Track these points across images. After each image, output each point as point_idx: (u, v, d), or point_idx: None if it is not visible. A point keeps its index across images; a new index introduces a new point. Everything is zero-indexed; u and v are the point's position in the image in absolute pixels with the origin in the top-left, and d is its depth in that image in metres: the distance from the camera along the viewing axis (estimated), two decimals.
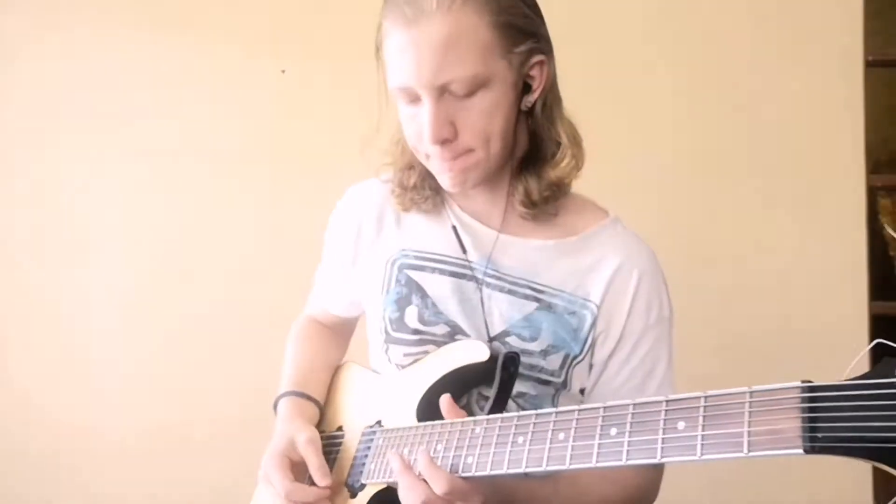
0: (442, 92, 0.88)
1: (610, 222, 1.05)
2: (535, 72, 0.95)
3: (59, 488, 1.96)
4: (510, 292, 1.01)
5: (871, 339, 0.54)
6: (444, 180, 0.96)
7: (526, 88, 0.96)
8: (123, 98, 1.94)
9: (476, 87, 0.89)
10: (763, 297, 1.80)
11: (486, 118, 0.91)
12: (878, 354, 0.55)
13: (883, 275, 1.88)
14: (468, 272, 1.03)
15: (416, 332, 1.04)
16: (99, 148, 1.95)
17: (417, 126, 0.93)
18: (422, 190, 1.05)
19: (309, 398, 1.13)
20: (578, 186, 1.10)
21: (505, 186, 1.03)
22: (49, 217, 1.97)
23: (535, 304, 1.00)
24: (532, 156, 1.01)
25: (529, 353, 0.98)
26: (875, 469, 1.82)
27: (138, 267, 1.96)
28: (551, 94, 0.99)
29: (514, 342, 1.00)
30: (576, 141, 1.01)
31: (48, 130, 1.96)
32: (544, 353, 0.99)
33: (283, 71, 1.92)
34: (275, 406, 1.13)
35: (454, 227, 1.04)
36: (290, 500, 0.97)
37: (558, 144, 1.00)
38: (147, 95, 1.94)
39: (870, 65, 1.77)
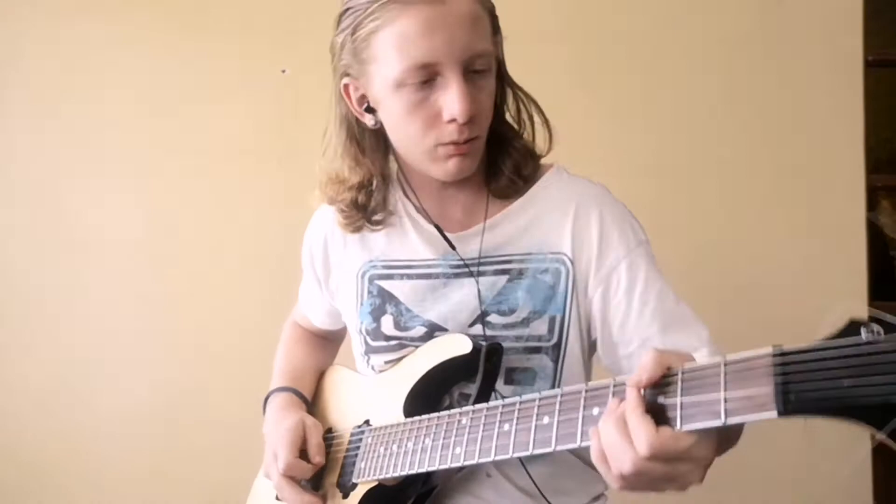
0: (466, 69, 0.90)
1: (554, 171, 1.05)
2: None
3: (59, 488, 1.97)
4: (479, 274, 1.01)
5: None
6: (450, 166, 0.95)
7: None
8: (123, 98, 1.95)
9: (489, 67, 0.92)
10: (763, 297, 1.79)
11: (490, 102, 0.95)
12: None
13: (883, 275, 1.87)
14: (433, 271, 1.04)
15: (394, 338, 1.05)
16: (98, 147, 1.96)
17: (430, 110, 0.91)
18: (379, 210, 1.06)
19: (300, 395, 1.15)
20: None
21: (468, 184, 1.03)
22: (49, 216, 1.98)
23: (505, 277, 1.00)
24: (499, 137, 1.03)
25: (512, 325, 0.99)
26: (875, 466, 1.80)
27: (139, 266, 1.96)
28: (503, 92, 1.02)
29: (494, 320, 1.00)
30: (537, 110, 1.04)
31: (48, 129, 1.97)
32: (527, 322, 0.99)
33: (284, 71, 1.93)
34: (265, 402, 1.16)
35: (436, 226, 1.04)
36: (288, 474, 1.00)
37: (518, 120, 1.04)
38: (147, 95, 1.95)
39: (870, 65, 1.77)
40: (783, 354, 0.57)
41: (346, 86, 0.98)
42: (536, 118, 1.03)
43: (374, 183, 1.05)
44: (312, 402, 1.19)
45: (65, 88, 1.97)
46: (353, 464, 1.00)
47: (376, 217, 1.06)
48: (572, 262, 0.99)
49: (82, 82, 1.96)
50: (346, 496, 0.99)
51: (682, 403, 0.62)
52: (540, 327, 0.99)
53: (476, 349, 0.93)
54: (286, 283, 1.35)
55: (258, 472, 1.22)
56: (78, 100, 1.96)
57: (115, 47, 1.95)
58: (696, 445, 0.62)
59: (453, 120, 0.90)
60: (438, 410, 0.95)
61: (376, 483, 0.95)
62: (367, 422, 1.03)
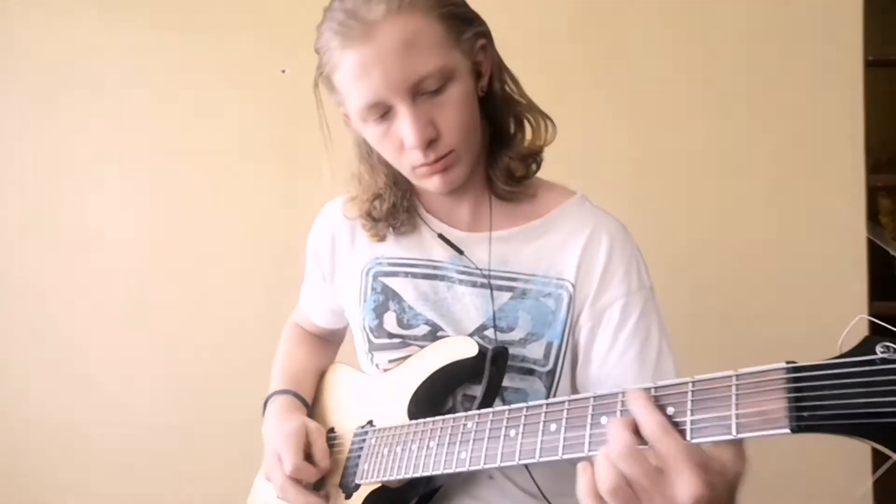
0: (415, 94, 0.89)
1: (576, 200, 1.06)
2: (481, 56, 0.97)
3: (59, 488, 1.96)
4: (482, 286, 1.02)
5: None
6: (434, 183, 0.96)
7: (476, 75, 0.97)
8: (122, 97, 1.95)
9: (445, 79, 0.90)
10: (763, 297, 1.79)
11: (460, 111, 0.92)
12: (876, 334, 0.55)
13: (883, 275, 1.87)
14: (439, 272, 1.05)
15: (398, 336, 1.05)
16: (98, 146, 1.95)
17: (394, 139, 0.93)
18: (397, 215, 1.07)
19: (300, 398, 1.15)
20: (580, 185, 1.10)
21: (470, 186, 1.04)
22: (48, 215, 1.97)
23: (508, 294, 1.01)
24: (497, 138, 1.03)
25: (509, 343, 0.99)
26: (874, 466, 1.80)
27: (138, 266, 1.96)
28: (500, 73, 1.01)
29: (491, 335, 1.00)
30: (536, 110, 1.03)
31: (47, 128, 1.96)
32: (524, 342, 0.99)
33: (284, 71, 1.92)
34: (265, 403, 1.15)
35: (440, 235, 1.06)
36: (294, 476, 0.99)
37: (519, 119, 1.02)
38: (146, 95, 1.94)
39: (870, 65, 1.76)
40: (797, 370, 0.56)
41: (344, 114, 1.01)
42: (524, 111, 1.03)
43: (389, 192, 1.06)
44: (313, 401, 1.19)
45: (63, 88, 1.96)
46: (357, 465, 1.00)
47: (398, 223, 1.07)
48: (574, 289, 0.99)
49: (81, 82, 1.95)
50: (348, 497, 0.99)
51: (692, 416, 0.62)
52: (536, 350, 0.99)
53: (482, 352, 0.93)
54: (286, 282, 1.35)
55: (258, 471, 1.22)
56: (77, 99, 1.95)
57: (115, 47, 1.94)
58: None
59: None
60: (442, 412, 0.96)
61: (379, 484, 0.95)
62: (370, 422, 1.03)
